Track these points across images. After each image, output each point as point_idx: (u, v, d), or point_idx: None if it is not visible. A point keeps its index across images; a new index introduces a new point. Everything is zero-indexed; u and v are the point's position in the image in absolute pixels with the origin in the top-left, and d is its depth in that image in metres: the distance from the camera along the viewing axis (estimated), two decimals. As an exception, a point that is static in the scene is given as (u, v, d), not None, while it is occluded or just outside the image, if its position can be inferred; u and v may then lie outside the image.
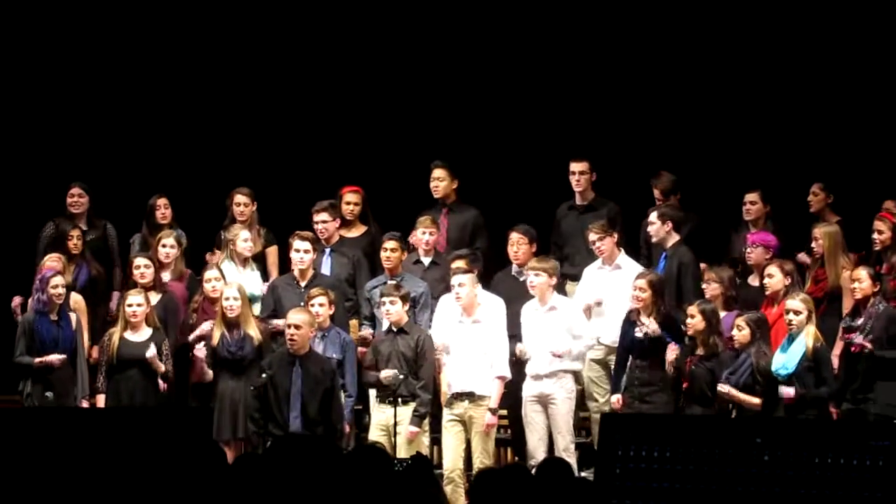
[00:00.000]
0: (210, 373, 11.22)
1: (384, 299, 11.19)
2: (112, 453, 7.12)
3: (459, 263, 11.51)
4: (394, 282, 11.47)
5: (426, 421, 11.22)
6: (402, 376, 10.96)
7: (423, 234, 11.97)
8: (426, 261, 12.04)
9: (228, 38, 13.99)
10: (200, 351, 11.22)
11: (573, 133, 13.23)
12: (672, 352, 10.73)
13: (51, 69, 13.97)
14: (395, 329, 11.20)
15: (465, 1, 13.71)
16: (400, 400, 10.94)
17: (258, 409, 10.76)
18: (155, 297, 11.54)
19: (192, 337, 11.37)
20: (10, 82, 13.94)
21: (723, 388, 10.36)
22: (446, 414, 11.16)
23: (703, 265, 11.57)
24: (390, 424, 10.95)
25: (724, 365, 10.51)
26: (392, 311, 11.14)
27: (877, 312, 10.42)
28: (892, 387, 10.30)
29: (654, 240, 11.69)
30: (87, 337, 11.56)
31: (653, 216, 11.65)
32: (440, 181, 12.40)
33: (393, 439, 10.81)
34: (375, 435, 11.00)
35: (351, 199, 12.39)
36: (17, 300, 11.83)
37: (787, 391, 10.24)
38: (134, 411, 10.00)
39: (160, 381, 11.17)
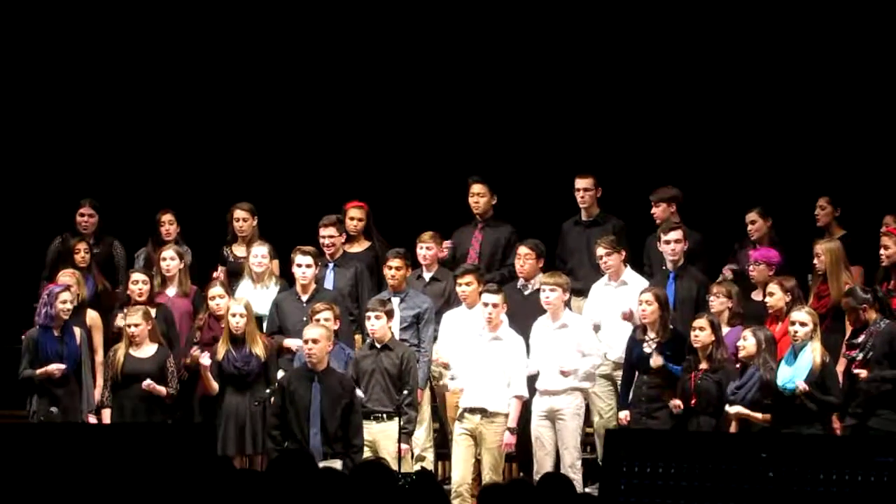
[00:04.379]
0: (215, 385, 11.22)
1: (369, 314, 11.14)
2: (118, 469, 7.14)
3: (469, 279, 11.49)
4: (379, 297, 11.44)
5: (427, 436, 11.18)
6: (406, 391, 10.91)
7: (422, 250, 11.97)
8: (427, 276, 12.03)
9: (234, 55, 14.03)
10: (206, 358, 11.20)
11: (578, 149, 13.24)
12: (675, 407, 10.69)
13: (58, 87, 14.01)
14: (378, 345, 11.15)
15: (469, 17, 13.72)
16: (386, 416, 10.91)
17: (276, 427, 10.74)
18: (152, 312, 11.51)
19: (188, 361, 11.38)
20: (18, 99, 13.97)
21: (732, 409, 10.34)
22: (457, 428, 11.14)
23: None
24: (375, 440, 10.92)
25: (731, 376, 10.51)
26: (377, 327, 11.08)
27: (877, 330, 10.41)
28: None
29: (675, 258, 11.61)
30: (101, 352, 11.56)
31: (678, 234, 11.58)
32: (480, 197, 12.38)
33: (385, 455, 10.70)
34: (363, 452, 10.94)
35: (355, 215, 12.40)
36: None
37: (801, 385, 10.23)
38: (139, 427, 10.01)
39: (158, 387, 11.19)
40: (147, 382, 11.05)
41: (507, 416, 11.02)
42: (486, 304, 11.13)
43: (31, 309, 11.66)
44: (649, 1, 13.42)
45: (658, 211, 12.06)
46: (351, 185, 13.01)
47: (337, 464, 10.30)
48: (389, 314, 11.15)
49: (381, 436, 10.90)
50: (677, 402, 10.60)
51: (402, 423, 10.85)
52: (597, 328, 11.52)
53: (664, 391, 10.76)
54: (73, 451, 7.19)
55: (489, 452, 11.01)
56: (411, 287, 11.87)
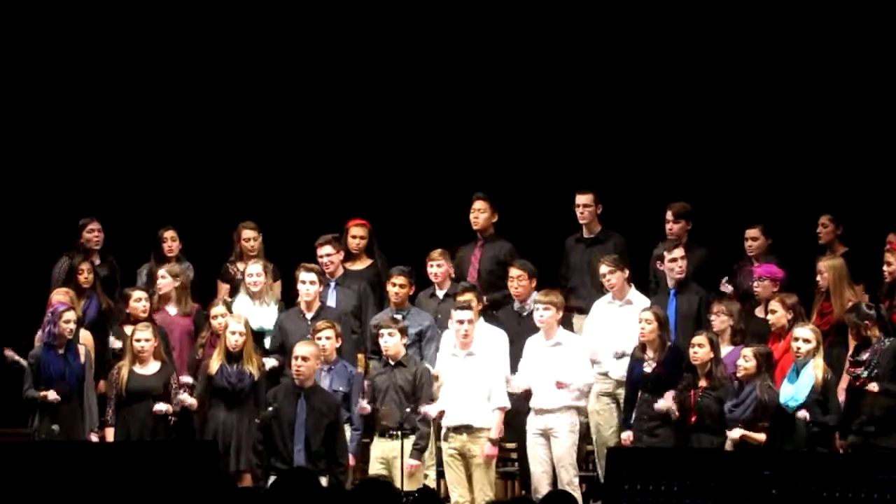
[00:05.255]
0: (194, 402, 11.22)
1: (382, 331, 11.16)
2: (122, 488, 7.15)
3: (468, 297, 11.49)
4: (392, 314, 11.46)
5: (428, 454, 11.21)
6: (408, 409, 10.96)
7: (432, 267, 11.96)
8: (440, 293, 12.01)
9: (236, 72, 14.04)
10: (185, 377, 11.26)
11: (579, 165, 13.25)
12: (668, 397, 10.68)
13: (58, 104, 14.02)
14: (392, 362, 11.18)
15: (472, 33, 13.74)
16: (401, 433, 10.90)
17: (261, 442, 10.77)
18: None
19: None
20: (18, 115, 13.99)
21: (734, 434, 10.35)
22: (446, 448, 11.15)
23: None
24: (390, 457, 10.93)
25: (729, 394, 10.53)
26: (390, 344, 11.11)
27: (881, 348, 10.42)
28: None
29: (681, 275, 11.61)
30: (91, 371, 11.56)
31: (681, 251, 11.58)
32: (481, 213, 12.37)
33: (399, 472, 10.77)
34: (376, 468, 10.98)
35: (357, 233, 12.38)
36: (8, 352, 11.76)
37: (803, 413, 10.26)
38: (143, 445, 10.01)
39: (160, 405, 11.22)
40: (157, 408, 11.08)
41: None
42: (460, 322, 11.14)
43: (33, 326, 11.70)
44: (652, 17, 13.43)
45: (677, 228, 12.06)
46: (353, 203, 13.01)
47: (321, 481, 10.33)
48: (403, 331, 11.17)
49: (396, 453, 10.90)
50: (672, 406, 10.59)
51: (415, 439, 10.90)
52: (622, 356, 11.46)
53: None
54: (78, 469, 7.20)
55: (479, 469, 11.03)
56: (425, 305, 11.89)
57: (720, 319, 11.07)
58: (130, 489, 7.17)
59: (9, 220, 13.83)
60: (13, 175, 13.95)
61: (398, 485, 10.58)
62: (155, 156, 14.10)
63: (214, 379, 11.21)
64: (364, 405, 11.00)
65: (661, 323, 10.95)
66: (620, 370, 11.33)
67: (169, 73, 14.08)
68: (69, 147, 14.05)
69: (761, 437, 10.34)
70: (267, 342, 11.81)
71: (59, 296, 11.53)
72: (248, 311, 11.78)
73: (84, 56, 14.02)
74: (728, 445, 10.43)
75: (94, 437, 11.17)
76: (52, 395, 11.08)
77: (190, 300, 12.05)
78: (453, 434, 11.12)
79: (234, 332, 11.23)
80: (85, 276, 11.96)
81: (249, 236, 12.35)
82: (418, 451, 10.94)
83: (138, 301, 11.63)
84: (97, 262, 12.34)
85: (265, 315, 11.89)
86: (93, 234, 12.45)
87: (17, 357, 11.56)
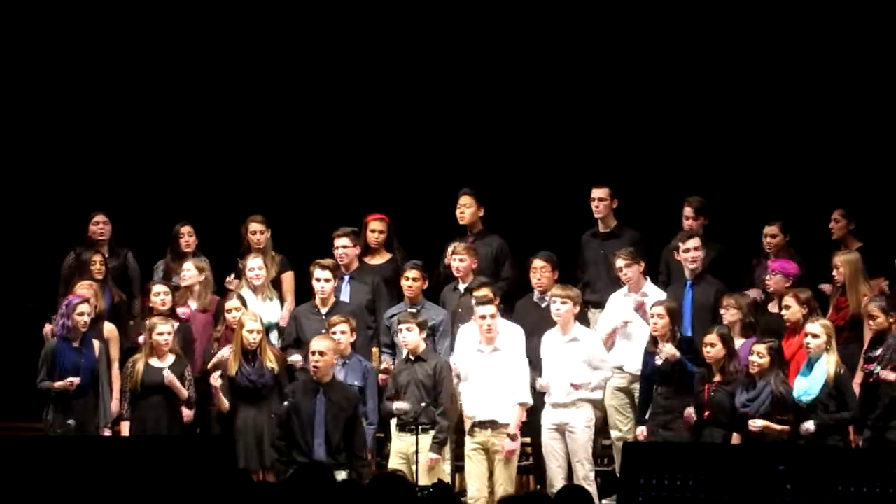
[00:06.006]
0: (226, 402, 11.24)
1: (401, 326, 11.19)
2: (137, 482, 7.16)
3: (485, 291, 11.50)
4: (412, 309, 11.49)
5: (446, 448, 11.21)
6: (423, 404, 10.97)
7: (455, 261, 11.94)
8: (462, 287, 11.96)
9: (249, 67, 14.06)
10: (216, 380, 11.23)
11: (595, 160, 13.25)
12: (670, 346, 10.75)
13: (73, 99, 14.04)
14: (412, 357, 11.20)
15: (487, 28, 13.75)
16: (420, 428, 10.92)
17: (281, 437, 10.78)
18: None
19: (210, 364, 11.42)
20: (31, 111, 14.02)
21: (756, 424, 10.35)
22: (469, 442, 11.16)
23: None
24: (410, 452, 10.95)
25: (740, 386, 10.54)
26: (409, 339, 11.14)
27: (894, 343, 10.40)
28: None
29: (695, 266, 11.63)
30: (116, 364, 11.59)
31: (697, 242, 11.62)
32: (466, 208, 12.39)
33: (413, 467, 10.81)
34: (395, 463, 11.02)
35: (376, 227, 12.38)
36: (48, 327, 11.85)
37: (808, 426, 10.26)
38: (158, 440, 10.03)
39: (184, 409, 11.23)
40: (168, 378, 11.07)
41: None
42: (482, 317, 11.15)
43: (43, 321, 11.74)
44: (666, 10, 13.42)
45: (696, 224, 12.06)
46: (372, 198, 13.01)
47: (341, 475, 10.36)
48: (422, 326, 11.18)
49: (418, 446, 10.92)
50: (690, 411, 10.61)
51: (434, 433, 10.92)
52: (626, 324, 11.50)
53: (679, 400, 10.78)
54: (93, 463, 7.21)
55: (501, 464, 11.04)
56: (448, 300, 11.89)
57: (730, 313, 11.09)
58: (145, 484, 7.17)
59: (26, 216, 13.87)
60: (30, 174, 13.99)
61: (418, 478, 10.61)
62: (170, 152, 14.11)
63: (236, 380, 11.21)
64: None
65: (673, 316, 10.96)
66: (635, 364, 11.33)
67: (179, 66, 14.09)
68: (84, 144, 14.08)
69: (786, 428, 10.33)
70: (273, 337, 11.84)
71: (84, 289, 11.54)
72: (252, 306, 11.78)
73: (95, 51, 14.04)
74: (735, 439, 10.44)
75: (106, 433, 11.19)
76: (67, 382, 11.09)
77: (208, 296, 12.05)
78: (478, 429, 11.12)
79: (251, 331, 11.23)
80: (98, 267, 11.97)
81: (256, 229, 12.32)
82: (438, 445, 10.95)
83: (157, 295, 11.64)
84: (106, 254, 12.36)
85: (267, 310, 11.91)
86: (98, 226, 12.47)
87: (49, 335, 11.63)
